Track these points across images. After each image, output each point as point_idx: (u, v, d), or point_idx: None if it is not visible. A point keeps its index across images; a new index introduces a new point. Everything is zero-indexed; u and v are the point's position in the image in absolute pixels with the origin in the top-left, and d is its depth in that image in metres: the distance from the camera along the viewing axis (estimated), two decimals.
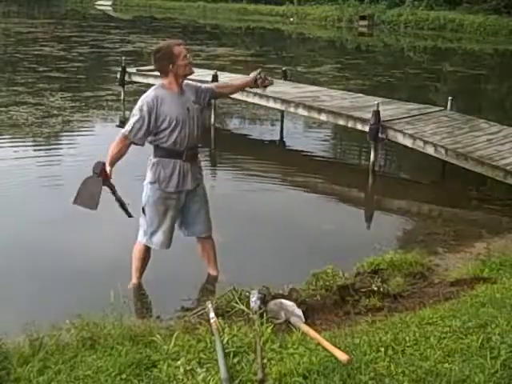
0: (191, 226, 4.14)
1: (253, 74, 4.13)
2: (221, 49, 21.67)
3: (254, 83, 4.13)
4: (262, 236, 5.25)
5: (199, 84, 4.13)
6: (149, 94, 3.81)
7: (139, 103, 3.79)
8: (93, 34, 24.89)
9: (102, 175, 3.70)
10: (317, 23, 37.18)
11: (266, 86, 4.17)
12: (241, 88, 4.40)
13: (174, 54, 3.74)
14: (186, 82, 3.97)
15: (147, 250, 4.13)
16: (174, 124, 3.77)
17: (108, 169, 3.76)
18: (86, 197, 3.69)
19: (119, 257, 4.34)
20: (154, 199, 3.92)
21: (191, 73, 3.87)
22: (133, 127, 3.74)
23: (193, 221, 4.12)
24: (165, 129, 3.78)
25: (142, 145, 3.85)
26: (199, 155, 4.13)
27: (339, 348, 2.76)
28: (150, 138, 3.83)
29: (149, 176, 3.92)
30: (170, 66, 3.76)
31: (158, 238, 4.02)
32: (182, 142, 3.83)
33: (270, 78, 4.17)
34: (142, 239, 4.08)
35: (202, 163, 4.23)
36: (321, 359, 2.68)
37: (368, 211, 6.64)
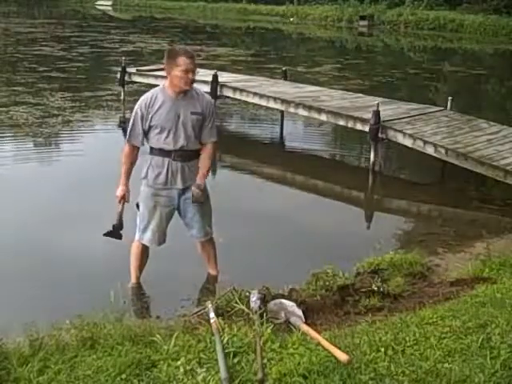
0: (189, 229, 4.17)
1: (201, 181, 3.93)
2: (221, 49, 21.66)
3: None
4: (261, 236, 5.25)
5: (212, 109, 3.96)
6: (145, 95, 3.92)
7: (136, 105, 3.93)
8: (93, 34, 24.87)
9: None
10: (317, 23, 37.20)
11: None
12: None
13: (176, 62, 3.75)
14: (202, 92, 4.00)
15: (144, 248, 4.15)
16: (160, 127, 3.84)
17: (121, 190, 3.96)
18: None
19: (119, 257, 4.34)
20: (145, 194, 4.02)
21: (185, 89, 3.81)
22: (130, 130, 3.93)
23: (189, 224, 4.13)
24: (154, 130, 3.87)
25: (141, 145, 3.98)
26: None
27: (339, 348, 2.76)
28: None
29: (142, 172, 4.01)
30: (169, 71, 3.80)
31: (148, 234, 4.07)
32: (169, 144, 3.86)
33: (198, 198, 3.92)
34: (136, 236, 4.13)
35: None
36: (321, 359, 2.68)
37: (368, 211, 6.64)
